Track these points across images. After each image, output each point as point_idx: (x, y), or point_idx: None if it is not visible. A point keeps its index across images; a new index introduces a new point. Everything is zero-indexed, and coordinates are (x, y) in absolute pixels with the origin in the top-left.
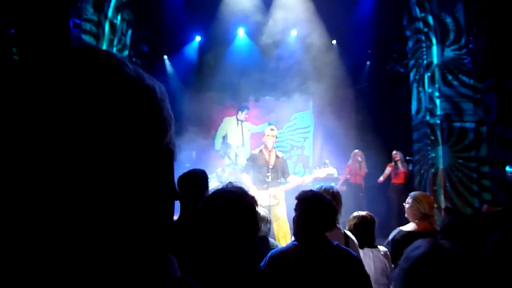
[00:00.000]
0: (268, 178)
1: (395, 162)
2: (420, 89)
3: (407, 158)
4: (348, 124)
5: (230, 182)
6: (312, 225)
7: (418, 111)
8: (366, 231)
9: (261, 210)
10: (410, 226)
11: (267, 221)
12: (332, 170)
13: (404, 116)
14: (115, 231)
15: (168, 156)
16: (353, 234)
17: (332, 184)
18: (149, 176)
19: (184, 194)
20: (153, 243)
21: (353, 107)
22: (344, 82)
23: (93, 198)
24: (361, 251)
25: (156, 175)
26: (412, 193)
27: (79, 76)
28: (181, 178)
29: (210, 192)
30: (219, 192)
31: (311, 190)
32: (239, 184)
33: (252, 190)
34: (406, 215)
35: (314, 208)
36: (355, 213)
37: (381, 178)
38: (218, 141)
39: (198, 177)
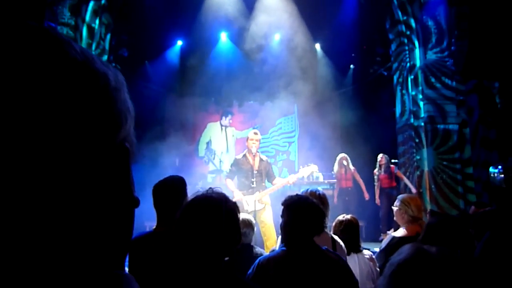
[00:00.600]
0: (253, 184)
1: (380, 166)
2: (404, 91)
3: (393, 161)
4: (333, 127)
5: (210, 188)
6: (300, 230)
7: (402, 113)
8: (351, 236)
9: (244, 215)
10: (400, 232)
11: (251, 227)
12: (314, 168)
13: (388, 119)
14: (53, 245)
15: (123, 155)
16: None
17: (319, 188)
18: (98, 179)
19: (160, 202)
20: (105, 259)
21: (338, 110)
22: (329, 85)
23: (26, 205)
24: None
25: (108, 177)
26: (400, 196)
27: (8, 55)
28: (157, 185)
29: (188, 199)
30: (198, 199)
31: (297, 195)
32: (219, 190)
33: (237, 196)
34: (395, 218)
35: (301, 212)
36: (340, 217)
37: (377, 193)
38: (202, 147)
39: (176, 184)
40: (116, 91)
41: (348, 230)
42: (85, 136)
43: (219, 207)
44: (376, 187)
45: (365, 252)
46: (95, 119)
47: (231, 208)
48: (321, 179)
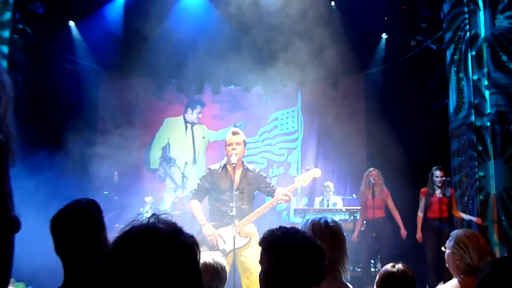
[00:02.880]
0: (231, 211)
1: (432, 183)
2: (462, 75)
3: (444, 178)
4: (355, 127)
5: (153, 215)
6: (288, 282)
7: (458, 108)
8: None
9: (210, 257)
10: (452, 285)
11: (219, 274)
12: (317, 172)
13: (437, 116)
14: None
15: None
16: None
17: (329, 217)
18: None
19: (62, 245)
20: None
21: (362, 102)
22: (349, 65)
23: None
24: None
25: None
26: (455, 233)
27: None
28: (55, 219)
29: (121, 232)
30: (134, 233)
31: (279, 228)
32: (168, 218)
33: (207, 228)
34: (446, 264)
35: (287, 257)
36: (389, 267)
37: (419, 224)
38: (155, 154)
39: (83, 215)
40: None
41: (398, 284)
42: None
43: (167, 245)
44: (419, 216)
45: None
46: None
47: (186, 245)
48: (339, 204)
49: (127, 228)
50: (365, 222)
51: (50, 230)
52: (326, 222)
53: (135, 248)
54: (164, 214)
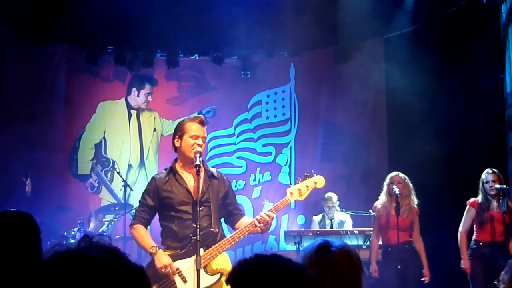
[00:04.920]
0: (195, 235)
1: (487, 196)
2: None
3: (498, 187)
4: (371, 115)
5: (85, 237)
6: None
7: None
8: None
9: None
10: None
11: None
12: (319, 181)
13: (488, 97)
14: None
15: None
16: None
17: (336, 241)
18: None
19: None
20: None
21: (382, 78)
22: (363, 26)
23: None
24: None
25: None
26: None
27: None
28: None
29: (45, 259)
30: (62, 261)
31: (256, 257)
32: (107, 242)
33: (161, 258)
34: None
35: None
36: None
37: (463, 251)
38: (85, 154)
39: (13, 230)
40: None
41: None
42: None
43: (101, 279)
44: (462, 235)
45: None
46: None
47: (131, 280)
48: (348, 224)
49: (51, 256)
50: (382, 249)
51: None
52: (335, 247)
53: (58, 283)
54: (99, 235)
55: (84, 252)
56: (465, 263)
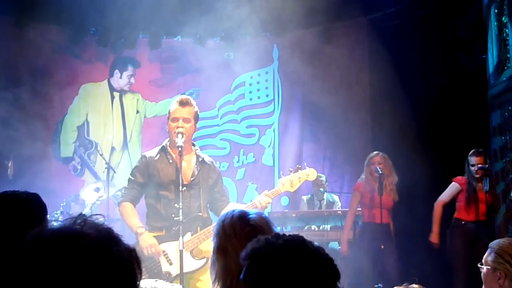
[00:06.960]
0: (178, 215)
1: (472, 177)
2: (505, 19)
3: (480, 166)
4: (354, 95)
5: (81, 215)
6: None
7: (500, 66)
8: None
9: (149, 284)
10: None
11: None
12: (311, 173)
13: (470, 78)
14: None
15: None
16: None
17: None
18: None
19: None
20: None
21: (365, 59)
22: (347, 6)
23: None
24: None
25: None
26: (496, 243)
27: None
28: None
29: (31, 237)
30: (50, 238)
31: (277, 237)
32: (100, 221)
33: (145, 239)
34: (484, 286)
35: (282, 275)
36: None
37: (435, 225)
38: (68, 137)
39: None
40: None
41: None
42: None
43: (93, 258)
44: (438, 203)
45: None
46: None
47: (122, 261)
48: (337, 204)
49: (38, 234)
50: (362, 226)
51: None
52: (244, 215)
53: (49, 258)
54: (95, 215)
55: (77, 229)
56: (434, 237)
